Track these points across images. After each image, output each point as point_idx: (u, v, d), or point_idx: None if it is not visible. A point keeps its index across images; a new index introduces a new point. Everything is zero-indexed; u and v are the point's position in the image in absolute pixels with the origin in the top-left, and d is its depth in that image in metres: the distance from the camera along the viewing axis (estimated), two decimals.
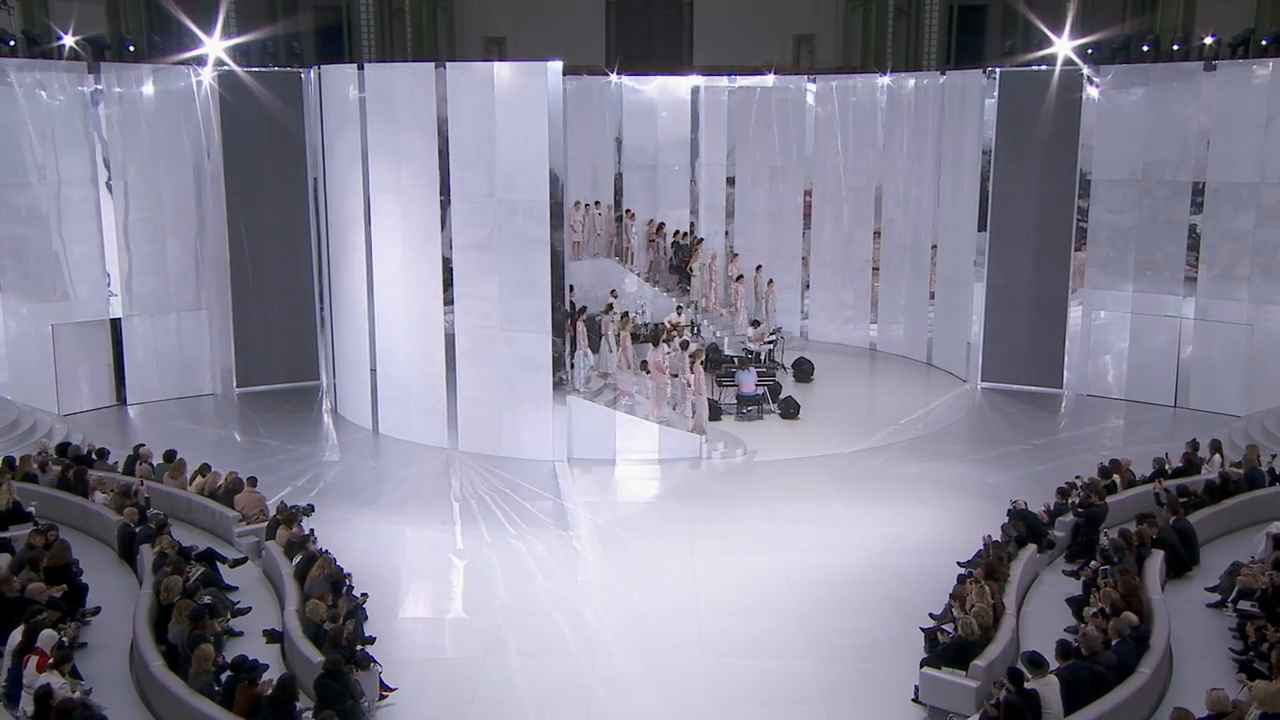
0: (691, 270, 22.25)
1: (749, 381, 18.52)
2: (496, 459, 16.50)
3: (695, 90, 23.85)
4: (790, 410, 18.75)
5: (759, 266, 23.05)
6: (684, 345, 17.89)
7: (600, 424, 16.57)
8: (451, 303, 16.66)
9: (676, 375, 17.41)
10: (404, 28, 30.01)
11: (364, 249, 17.65)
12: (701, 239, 23.21)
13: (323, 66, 18.68)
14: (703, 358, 17.88)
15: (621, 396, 17.50)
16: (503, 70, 16.06)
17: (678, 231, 23.12)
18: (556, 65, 15.75)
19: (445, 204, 16.44)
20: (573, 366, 16.80)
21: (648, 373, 17.15)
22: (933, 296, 22.31)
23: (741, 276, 22.41)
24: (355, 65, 17.75)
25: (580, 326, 17.60)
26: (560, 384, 16.31)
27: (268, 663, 9.69)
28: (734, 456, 16.72)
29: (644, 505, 15.61)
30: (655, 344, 17.63)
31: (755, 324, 21.05)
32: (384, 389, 17.80)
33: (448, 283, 16.62)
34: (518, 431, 16.62)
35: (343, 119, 17.71)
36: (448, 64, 16.36)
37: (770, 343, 20.93)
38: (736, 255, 23.04)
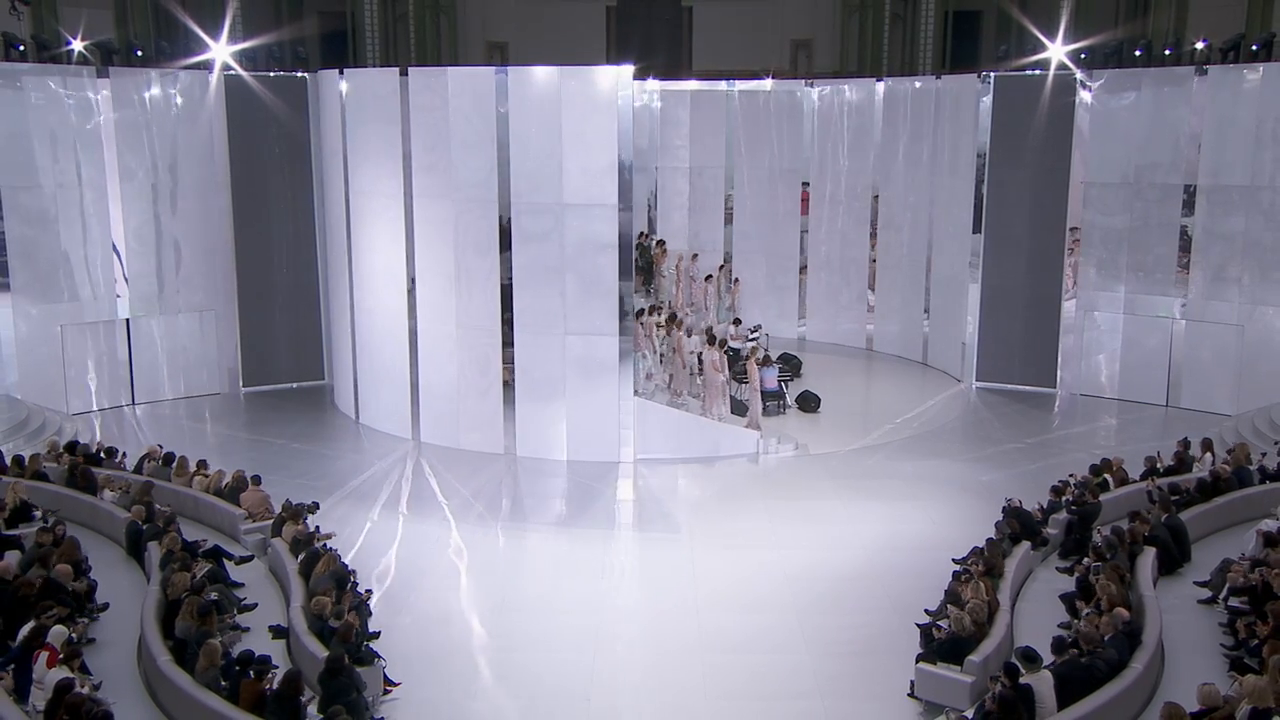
0: (661, 272, 22.47)
1: (771, 377, 18.71)
2: (555, 463, 16.44)
3: (650, 94, 23.94)
4: (810, 404, 19.02)
5: (721, 265, 23.34)
6: (723, 344, 18.02)
7: (663, 424, 16.61)
8: (510, 308, 16.43)
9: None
10: (407, 33, 30.23)
11: (404, 254, 17.19)
12: (663, 240, 23.42)
13: (347, 70, 18.53)
14: (760, 355, 18.11)
15: (675, 396, 17.63)
16: (569, 76, 15.90)
17: (641, 234, 23.27)
18: (627, 70, 15.79)
19: (505, 209, 16.25)
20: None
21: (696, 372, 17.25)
22: (928, 297, 22.52)
23: (711, 276, 22.68)
24: (397, 69, 17.36)
25: (638, 328, 17.52)
26: (628, 385, 16.29)
27: (278, 663, 9.81)
28: (786, 451, 16.94)
29: (662, 504, 15.58)
30: (710, 343, 17.75)
31: (737, 322, 21.28)
32: (427, 396, 17.36)
33: (506, 289, 16.39)
34: (580, 434, 16.51)
35: (372, 123, 17.35)
36: (509, 69, 16.24)
37: (752, 339, 21.15)
38: (697, 256, 23.32)
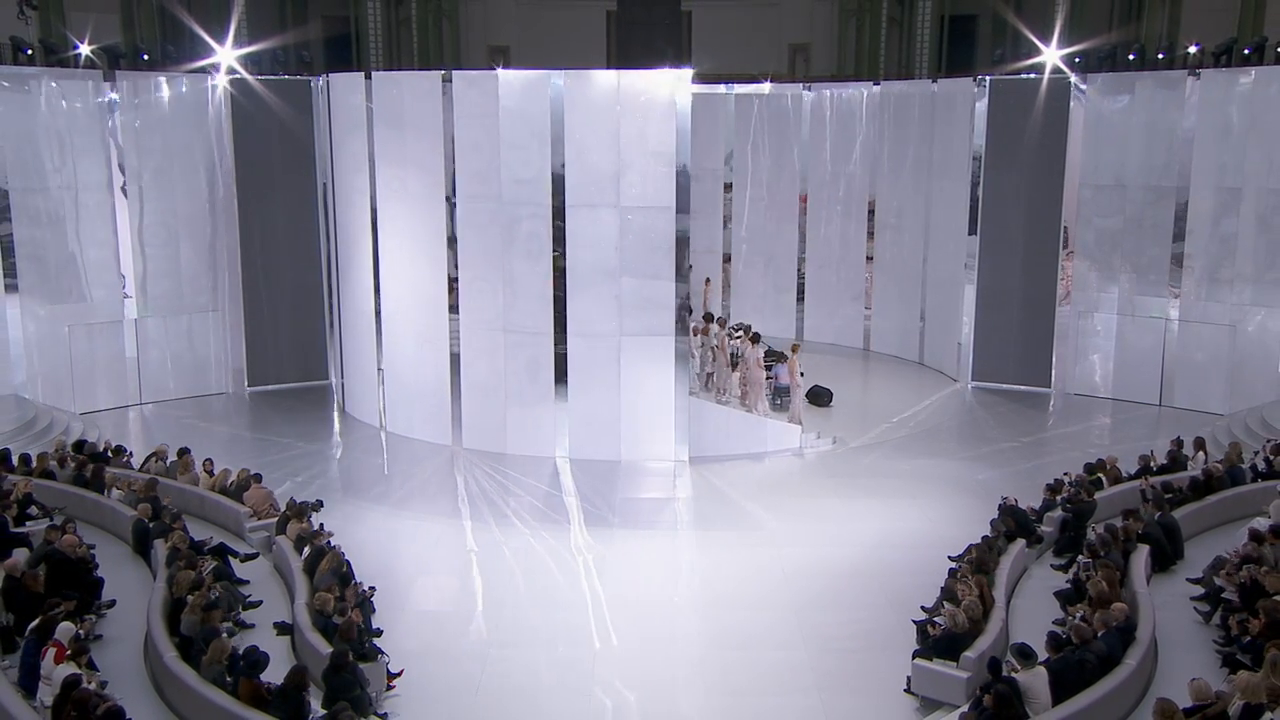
0: None
1: (785, 374, 18.92)
2: (609, 464, 16.38)
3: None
4: (822, 399, 19.25)
5: (690, 266, 23.50)
6: (756, 338, 18.24)
7: (714, 422, 16.71)
8: (563, 311, 16.29)
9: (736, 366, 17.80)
10: (410, 36, 30.43)
11: (444, 258, 16.92)
12: None
13: (377, 73, 18.32)
14: (798, 349, 18.37)
15: (720, 395, 17.71)
16: (627, 79, 15.87)
17: None
18: (687, 73, 15.78)
19: (559, 212, 16.04)
20: None
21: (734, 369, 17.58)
22: (924, 298, 22.66)
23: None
24: (440, 74, 16.96)
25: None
26: (684, 385, 16.30)
27: (281, 658, 9.93)
28: (825, 445, 17.18)
29: (671, 501, 15.55)
30: (753, 342, 17.81)
31: (722, 322, 21.42)
32: (470, 401, 17.05)
33: (558, 291, 16.24)
34: (634, 435, 16.48)
35: (407, 126, 17.01)
36: (564, 73, 16.00)
37: (736, 338, 21.29)
38: None
